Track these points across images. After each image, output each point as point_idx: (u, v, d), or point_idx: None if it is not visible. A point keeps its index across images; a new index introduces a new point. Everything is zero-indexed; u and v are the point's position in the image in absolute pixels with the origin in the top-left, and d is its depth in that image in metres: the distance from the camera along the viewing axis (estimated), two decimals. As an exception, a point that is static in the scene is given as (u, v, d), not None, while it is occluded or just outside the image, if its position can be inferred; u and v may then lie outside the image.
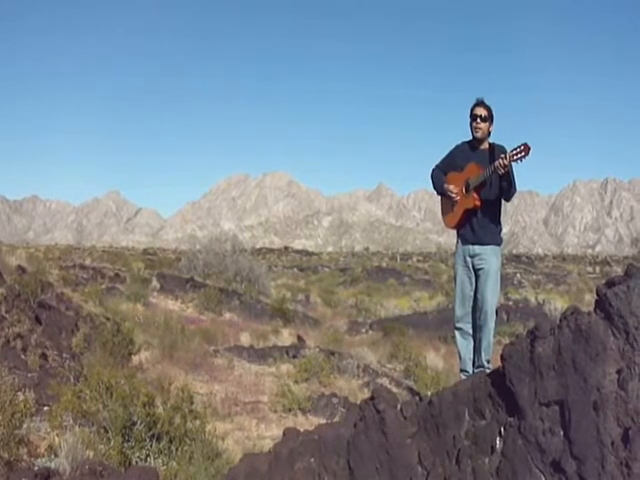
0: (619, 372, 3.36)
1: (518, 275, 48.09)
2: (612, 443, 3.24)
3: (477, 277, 5.82)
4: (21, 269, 16.01)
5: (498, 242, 5.92)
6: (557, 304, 24.37)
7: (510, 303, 25.95)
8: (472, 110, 5.88)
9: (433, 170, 6.19)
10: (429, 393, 8.78)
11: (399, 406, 4.47)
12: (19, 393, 7.18)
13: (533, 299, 27.84)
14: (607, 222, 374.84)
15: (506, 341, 14.48)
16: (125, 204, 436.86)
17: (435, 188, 6.16)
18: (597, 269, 61.46)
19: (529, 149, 5.34)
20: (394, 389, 11.36)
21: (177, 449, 6.36)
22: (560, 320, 3.73)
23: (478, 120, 5.83)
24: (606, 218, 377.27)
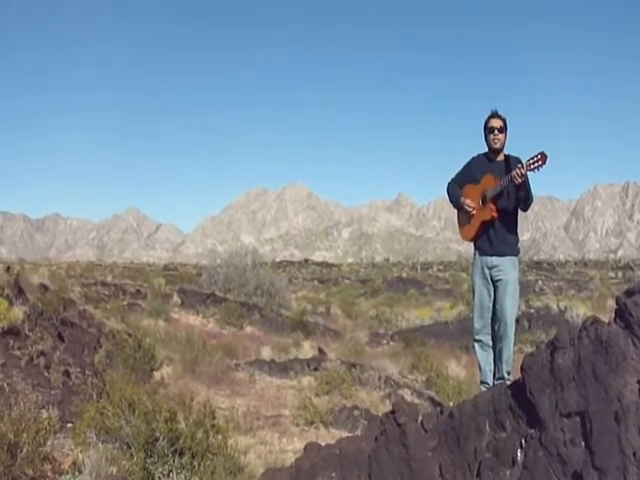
0: (640, 382, 3.33)
1: (539, 282, 47.75)
2: (634, 454, 3.21)
3: (495, 288, 5.79)
4: (44, 287, 16.19)
5: (516, 253, 5.89)
6: (579, 311, 24.18)
7: (532, 310, 25.77)
8: (488, 122, 5.86)
9: (449, 184, 6.19)
10: (451, 403, 8.74)
11: (420, 419, 4.46)
12: (43, 410, 7.25)
13: (555, 306, 27.58)
14: (629, 226, 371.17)
15: (528, 349, 14.40)
16: (145, 220, 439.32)
17: (452, 202, 6.15)
18: (619, 274, 60.84)
19: (546, 158, 5.31)
20: (416, 400, 11.33)
21: (199, 464, 6.37)
22: (580, 330, 3.71)
23: (496, 132, 5.82)
24: (628, 222, 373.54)
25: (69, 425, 7.59)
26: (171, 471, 6.26)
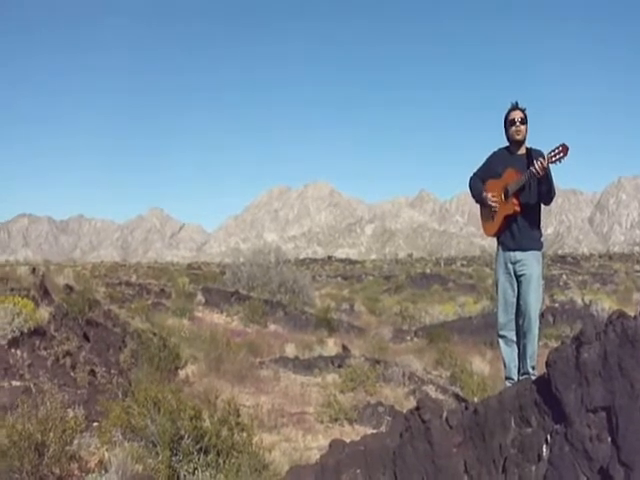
0: (666, 376, 3.29)
1: (564, 276, 47.36)
2: (661, 449, 3.18)
3: (519, 283, 5.76)
4: (69, 288, 16.31)
5: (539, 247, 5.85)
6: (604, 304, 23.90)
7: (556, 305, 25.52)
8: (508, 115, 5.85)
9: (471, 179, 6.15)
10: (475, 399, 8.69)
11: (444, 415, 4.43)
12: (69, 410, 7.30)
13: (580, 300, 27.32)
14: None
15: (553, 344, 14.29)
16: (169, 220, 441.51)
17: (474, 197, 6.12)
18: (645, 267, 60.16)
19: (567, 150, 5.27)
20: (440, 396, 11.27)
21: (224, 462, 6.37)
22: (605, 325, 3.67)
23: (517, 123, 5.80)
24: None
25: (95, 424, 7.64)
26: (196, 469, 6.26)
